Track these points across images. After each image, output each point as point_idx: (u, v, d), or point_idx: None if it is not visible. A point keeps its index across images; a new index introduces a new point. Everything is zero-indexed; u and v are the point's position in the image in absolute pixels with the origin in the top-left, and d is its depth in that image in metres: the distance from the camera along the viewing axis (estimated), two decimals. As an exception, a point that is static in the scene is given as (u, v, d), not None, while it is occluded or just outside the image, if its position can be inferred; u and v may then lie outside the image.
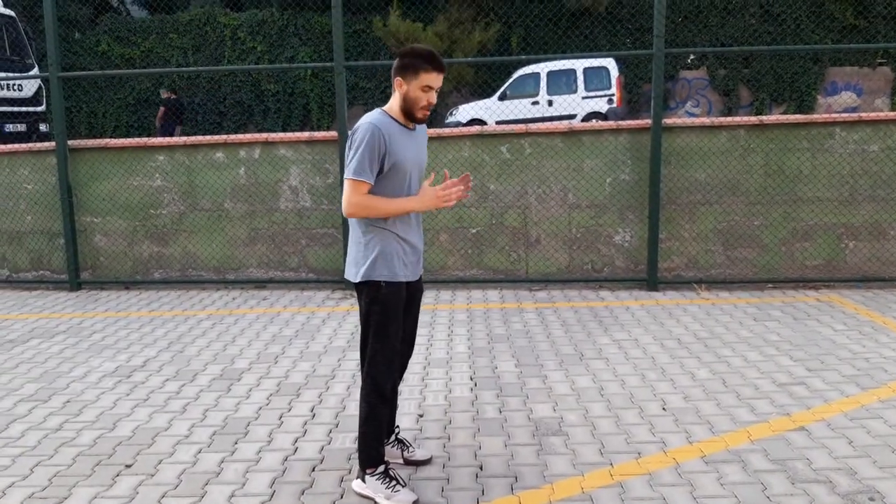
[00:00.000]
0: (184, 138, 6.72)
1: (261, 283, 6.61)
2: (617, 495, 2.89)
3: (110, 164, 6.66)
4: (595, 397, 3.90)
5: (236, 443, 3.44)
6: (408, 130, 2.84)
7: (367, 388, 2.86)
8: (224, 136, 6.65)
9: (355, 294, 2.89)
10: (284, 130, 18.58)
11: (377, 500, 2.86)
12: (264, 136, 6.64)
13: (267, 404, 3.91)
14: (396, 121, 2.81)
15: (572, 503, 2.83)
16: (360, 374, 4.32)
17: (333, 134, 6.40)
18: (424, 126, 3.00)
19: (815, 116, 6.23)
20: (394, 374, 2.90)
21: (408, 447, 3.19)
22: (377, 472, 2.89)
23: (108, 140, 6.81)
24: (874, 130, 6.15)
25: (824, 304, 5.62)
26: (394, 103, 2.83)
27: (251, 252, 6.63)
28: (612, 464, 3.15)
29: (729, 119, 6.37)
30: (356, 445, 3.00)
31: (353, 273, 2.86)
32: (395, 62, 2.80)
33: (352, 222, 2.88)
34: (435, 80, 2.75)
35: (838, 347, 4.59)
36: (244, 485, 3.04)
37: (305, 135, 6.58)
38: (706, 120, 6.36)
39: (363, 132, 2.70)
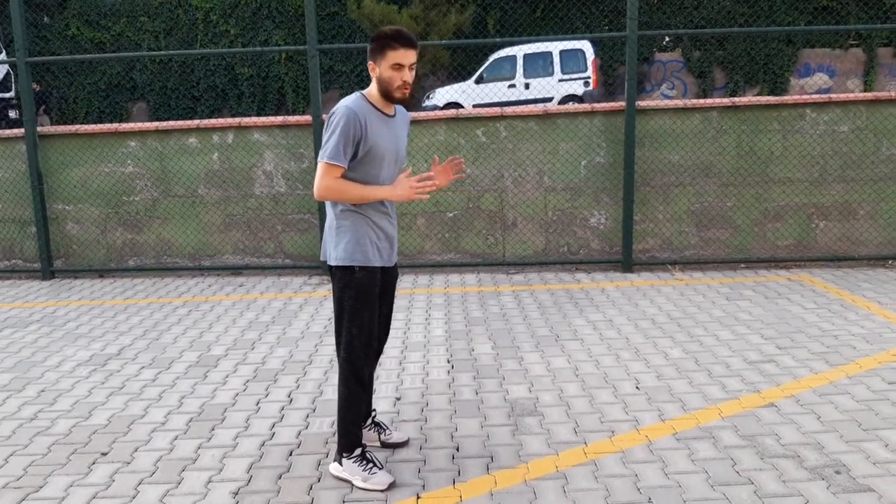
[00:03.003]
0: (156, 123, 6.64)
1: (236, 270, 6.57)
2: (590, 473, 2.94)
3: (81, 150, 6.55)
4: (570, 378, 3.95)
5: (213, 429, 3.44)
6: (385, 117, 2.82)
7: (345, 373, 2.87)
8: (197, 121, 6.58)
9: (331, 276, 2.91)
10: (259, 115, 18.37)
11: (354, 482, 2.88)
12: (237, 120, 6.57)
13: (244, 390, 3.91)
14: (375, 106, 2.79)
15: (547, 482, 2.88)
16: (336, 358, 4.34)
17: (308, 118, 6.35)
18: (406, 113, 2.98)
19: (786, 98, 6.31)
20: (371, 359, 2.90)
21: (384, 430, 3.20)
22: (354, 455, 2.91)
23: (78, 126, 6.70)
24: (844, 111, 6.24)
25: (795, 284, 5.73)
26: (372, 88, 2.82)
27: (226, 238, 6.58)
28: (586, 442, 3.20)
29: (702, 101, 6.42)
30: (334, 429, 3.02)
31: (328, 256, 2.88)
32: (369, 48, 2.80)
33: (327, 206, 2.90)
34: (403, 56, 2.71)
35: (808, 325, 4.69)
36: (221, 470, 3.05)
37: (279, 119, 6.52)
38: (679, 102, 6.41)
39: (339, 116, 2.69)
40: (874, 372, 3.90)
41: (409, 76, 2.74)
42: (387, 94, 2.77)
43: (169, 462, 3.14)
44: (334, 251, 2.83)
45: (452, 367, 4.16)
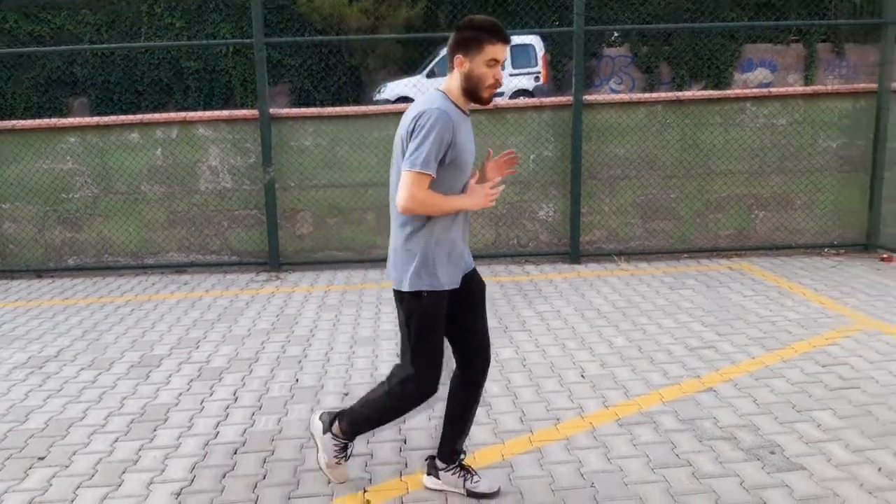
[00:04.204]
0: (96, 118, 6.46)
1: (181, 268, 6.44)
2: (535, 461, 2.98)
3: (18, 146, 6.32)
4: (517, 368, 3.99)
5: (155, 430, 3.38)
6: (465, 117, 2.54)
7: (399, 391, 2.62)
8: (139, 116, 6.43)
9: (397, 300, 2.63)
10: (206, 109, 17.97)
11: (319, 458, 2.81)
12: (181, 115, 6.44)
13: (188, 390, 3.84)
14: (457, 105, 2.50)
15: (493, 471, 2.91)
16: (283, 355, 4.30)
17: (254, 112, 6.26)
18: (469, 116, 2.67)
19: (727, 92, 6.48)
20: (439, 376, 2.63)
21: (471, 476, 2.78)
22: (339, 439, 2.76)
23: (15, 121, 6.47)
24: (782, 105, 6.43)
25: (735, 272, 5.89)
26: (453, 84, 2.51)
27: (170, 235, 6.44)
28: (531, 431, 3.24)
29: (647, 95, 6.55)
30: (349, 406, 2.80)
31: (396, 278, 2.59)
32: (453, 37, 2.50)
33: (393, 226, 2.60)
34: (501, 52, 2.45)
35: (747, 312, 4.83)
36: (163, 471, 2.99)
37: (225, 113, 6.42)
38: (625, 96, 6.53)
39: (433, 119, 2.37)
40: (808, 356, 4.04)
41: (501, 75, 2.50)
42: (474, 93, 2.49)
43: (108, 465, 3.06)
44: (402, 276, 2.55)
45: (401, 360, 4.16)
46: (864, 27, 16.28)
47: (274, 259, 6.32)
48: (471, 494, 2.75)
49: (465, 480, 2.76)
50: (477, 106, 2.58)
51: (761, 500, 2.66)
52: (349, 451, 2.80)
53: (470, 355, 2.72)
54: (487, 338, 2.75)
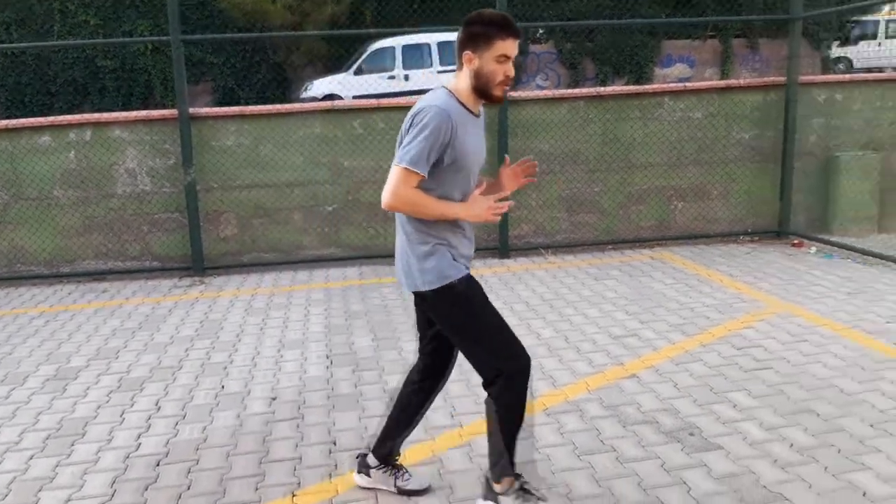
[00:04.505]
0: (5, 122, 6.14)
1: (99, 276, 6.19)
2: (465, 454, 3.01)
3: (-87, 152, 5.95)
4: (448, 364, 4.00)
5: (73, 444, 3.24)
6: (474, 118, 2.41)
7: (500, 387, 2.40)
8: (50, 118, 6.15)
9: (425, 305, 2.48)
10: (125, 110, 17.31)
11: None
12: (95, 116, 6.20)
13: (107, 402, 3.70)
14: (464, 105, 2.37)
15: (424, 467, 2.92)
16: (208, 361, 4.19)
17: (173, 112, 6.08)
18: (484, 116, 2.51)
19: (646, 87, 6.67)
20: (521, 347, 2.43)
21: (403, 474, 2.77)
22: (511, 489, 2.46)
23: None
24: (698, 99, 6.67)
25: (657, 262, 6.08)
26: (461, 83, 2.38)
27: (86, 242, 6.18)
28: (461, 425, 3.26)
29: (570, 91, 6.69)
30: (489, 464, 2.53)
31: (412, 283, 2.42)
32: (460, 33, 2.36)
33: (398, 228, 2.48)
34: (511, 47, 2.32)
35: (667, 300, 4.99)
36: (81, 487, 2.88)
37: (142, 114, 6.21)
38: (548, 92, 6.66)
39: (431, 117, 2.26)
40: (725, 339, 4.21)
41: (512, 71, 2.35)
42: (484, 91, 2.35)
43: (23, 483, 2.93)
44: (421, 276, 2.39)
45: (331, 362, 4.13)
46: (775, 23, 17.02)
47: (197, 263, 6.15)
48: (402, 492, 2.74)
49: (395, 479, 2.75)
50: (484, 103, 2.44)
51: (681, 480, 2.76)
52: (528, 485, 2.51)
53: (436, 365, 2.63)
54: (456, 352, 2.61)
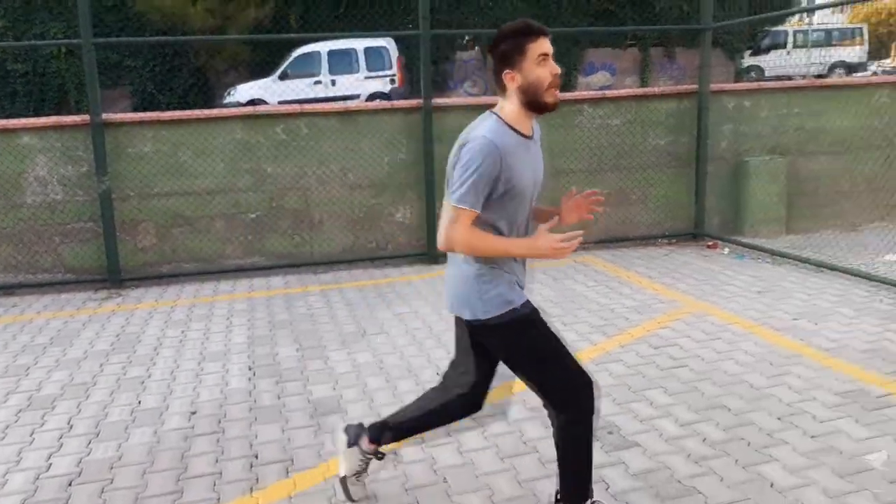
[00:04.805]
0: None
1: (9, 289, 5.89)
2: (390, 462, 3.00)
3: None
4: (374, 371, 4.00)
5: (-25, 469, 3.07)
6: (525, 141, 2.30)
7: (571, 415, 2.34)
8: (-51, 125, 5.81)
9: (484, 336, 2.39)
10: (38, 115, 16.51)
11: None
12: (2, 122, 5.90)
13: (16, 421, 3.52)
14: (515, 129, 2.27)
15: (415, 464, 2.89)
16: (124, 377, 4.05)
17: (85, 118, 5.86)
18: (539, 130, 2.42)
19: (566, 95, 6.82)
20: (588, 376, 2.37)
21: (364, 474, 2.75)
22: None
23: None
24: (616, 106, 6.88)
25: (580, 265, 6.23)
26: (507, 105, 2.30)
27: (-6, 254, 5.88)
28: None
29: (493, 98, 6.74)
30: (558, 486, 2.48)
31: (472, 312, 2.33)
32: (492, 60, 2.29)
33: (453, 257, 2.40)
34: (545, 45, 2.24)
35: (589, 301, 5.12)
36: (-16, 514, 2.73)
37: (52, 120, 5.97)
38: (472, 99, 6.75)
39: (477, 151, 2.16)
40: (643, 339, 4.35)
41: (557, 68, 2.27)
42: (536, 103, 2.26)
43: (-82, 513, 2.75)
44: (483, 305, 2.29)
45: (254, 373, 4.05)
46: (689, 32, 17.73)
47: (114, 275, 5.92)
48: (341, 482, 2.70)
49: (359, 472, 2.68)
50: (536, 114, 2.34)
51: (601, 478, 2.83)
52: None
53: (472, 384, 2.52)
54: (490, 383, 2.54)
